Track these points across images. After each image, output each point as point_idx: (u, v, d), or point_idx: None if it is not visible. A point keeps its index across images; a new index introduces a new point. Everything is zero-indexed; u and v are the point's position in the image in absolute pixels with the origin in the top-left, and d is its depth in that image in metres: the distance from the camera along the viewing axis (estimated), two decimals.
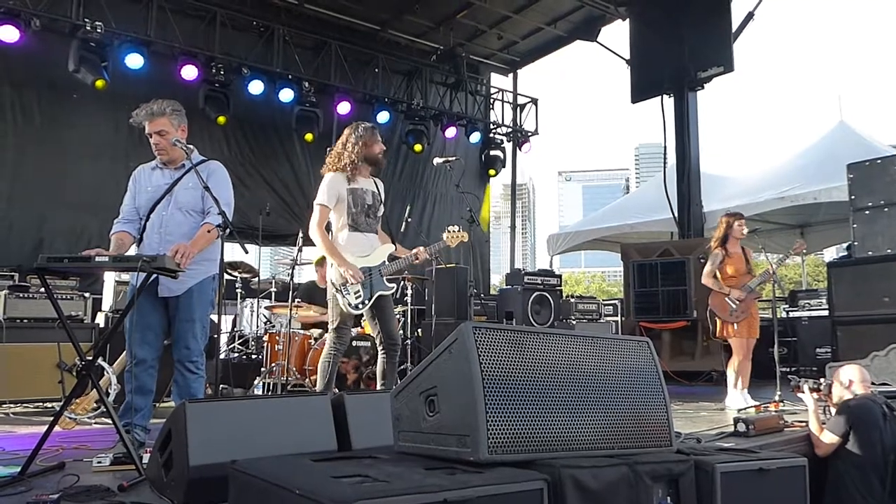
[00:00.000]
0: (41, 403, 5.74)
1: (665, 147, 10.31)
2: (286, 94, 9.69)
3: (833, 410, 4.50)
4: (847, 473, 4.15)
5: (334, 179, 4.48)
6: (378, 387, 4.58)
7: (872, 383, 4.69)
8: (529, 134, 12.69)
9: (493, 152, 12.33)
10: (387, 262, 4.58)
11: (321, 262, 7.01)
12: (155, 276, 3.41)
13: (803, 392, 4.60)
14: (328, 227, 4.57)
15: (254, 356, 7.31)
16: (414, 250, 4.65)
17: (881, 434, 4.13)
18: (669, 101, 10.22)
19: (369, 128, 4.62)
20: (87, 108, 8.61)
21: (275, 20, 9.89)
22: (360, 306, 4.42)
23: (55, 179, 8.51)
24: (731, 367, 6.14)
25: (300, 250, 6.77)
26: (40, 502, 2.43)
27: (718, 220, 6.48)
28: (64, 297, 5.98)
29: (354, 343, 6.42)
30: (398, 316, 7.34)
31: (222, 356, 6.89)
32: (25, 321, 5.76)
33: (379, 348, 4.57)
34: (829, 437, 4.26)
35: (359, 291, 4.40)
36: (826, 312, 8.12)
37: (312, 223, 4.48)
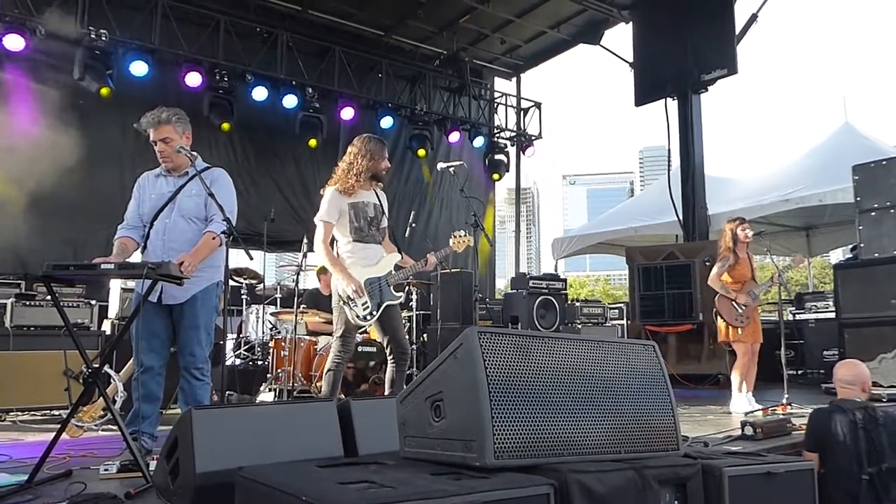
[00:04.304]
0: (48, 411, 5.75)
1: (669, 150, 10.28)
2: (290, 101, 9.71)
3: None
4: (826, 491, 3.67)
5: (335, 195, 4.49)
6: (386, 394, 4.58)
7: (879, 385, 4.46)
8: (533, 138, 12.68)
9: (497, 157, 12.33)
10: (393, 272, 4.59)
11: (323, 270, 7.03)
12: (160, 283, 3.42)
13: None
14: (333, 241, 4.58)
15: (259, 362, 7.32)
16: (423, 259, 4.69)
17: (853, 446, 3.75)
18: (673, 104, 10.20)
19: (379, 142, 4.61)
20: (92, 115, 8.64)
21: (278, 26, 9.92)
22: (369, 317, 4.43)
23: (61, 187, 8.52)
24: (735, 371, 6.13)
25: (305, 256, 6.78)
26: None
27: (723, 227, 6.47)
28: (70, 304, 5.98)
29: (360, 348, 6.42)
30: (404, 321, 7.34)
31: (228, 363, 6.90)
32: (32, 329, 5.77)
33: (388, 357, 4.58)
34: (808, 457, 3.86)
35: (366, 303, 4.40)
36: (833, 315, 8.10)
37: (317, 239, 4.49)
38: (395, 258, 4.67)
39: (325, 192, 4.55)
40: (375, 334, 4.95)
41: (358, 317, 4.40)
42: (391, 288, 4.54)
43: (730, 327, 6.11)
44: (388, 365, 4.57)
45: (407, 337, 5.03)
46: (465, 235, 4.83)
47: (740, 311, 6.05)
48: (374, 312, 4.43)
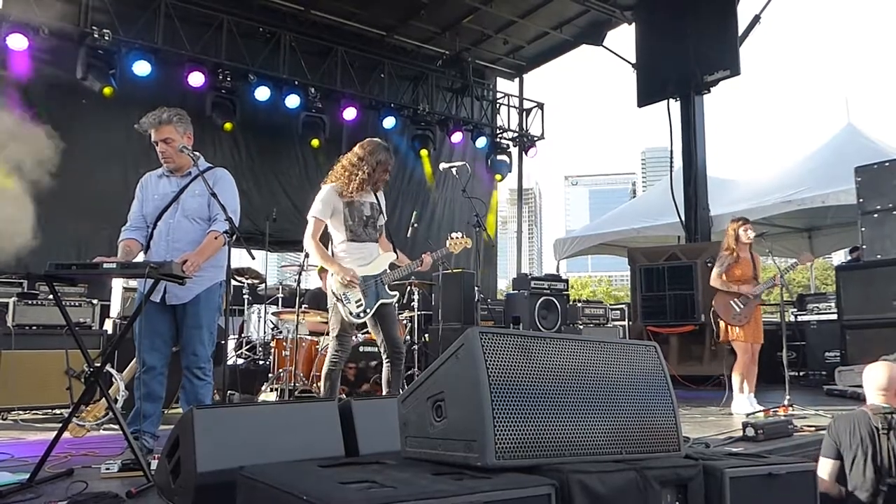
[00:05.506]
0: (50, 410, 5.77)
1: (672, 151, 10.27)
2: (292, 101, 9.72)
3: None
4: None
5: (330, 192, 4.48)
6: (384, 394, 4.58)
7: None
8: (536, 138, 12.68)
9: (499, 157, 12.32)
10: (388, 271, 4.58)
11: (325, 269, 7.02)
12: (163, 282, 3.42)
13: None
14: (328, 240, 4.58)
15: (261, 362, 7.32)
16: (419, 259, 4.68)
17: (874, 454, 3.54)
18: (676, 105, 10.19)
19: (387, 152, 4.56)
20: (95, 114, 8.64)
21: (281, 26, 9.93)
22: (362, 314, 4.42)
23: (64, 186, 8.52)
24: (735, 372, 6.11)
25: (307, 256, 6.78)
26: None
27: (727, 227, 6.47)
28: (72, 303, 5.99)
29: (361, 348, 6.42)
30: (405, 321, 7.34)
31: (230, 362, 6.90)
32: (34, 328, 5.78)
33: (383, 356, 4.56)
34: (822, 465, 3.65)
35: (360, 300, 4.40)
36: (835, 316, 8.09)
37: (306, 235, 4.49)
38: (389, 257, 4.66)
39: (322, 188, 4.55)
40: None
41: (351, 314, 4.39)
42: (385, 287, 4.54)
43: (729, 326, 6.10)
44: (384, 364, 4.56)
45: (405, 336, 5.03)
46: (462, 237, 4.82)
47: (738, 309, 6.04)
48: (368, 310, 4.42)
